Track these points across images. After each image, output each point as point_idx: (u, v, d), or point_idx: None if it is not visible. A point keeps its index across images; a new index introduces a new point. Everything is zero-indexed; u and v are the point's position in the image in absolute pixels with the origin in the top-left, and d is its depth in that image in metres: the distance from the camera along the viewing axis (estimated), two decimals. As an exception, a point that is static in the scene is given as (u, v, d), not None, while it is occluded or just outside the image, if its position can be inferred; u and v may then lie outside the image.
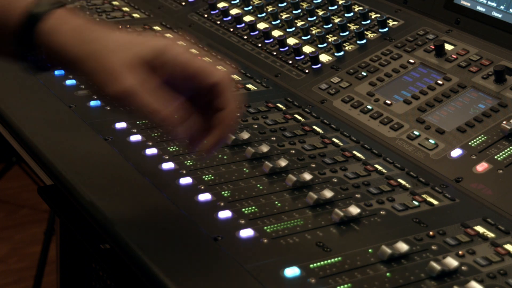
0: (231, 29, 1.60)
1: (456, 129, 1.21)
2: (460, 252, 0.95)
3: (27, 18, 0.92)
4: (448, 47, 1.37)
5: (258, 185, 1.06)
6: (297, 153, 1.15)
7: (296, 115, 1.27)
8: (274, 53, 1.49)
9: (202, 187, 1.04)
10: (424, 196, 1.07)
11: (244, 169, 1.10)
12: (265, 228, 0.97)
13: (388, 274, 0.90)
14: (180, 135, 0.92)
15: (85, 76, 0.92)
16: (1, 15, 0.93)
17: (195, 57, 0.94)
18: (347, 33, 1.48)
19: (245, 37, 1.56)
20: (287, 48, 1.49)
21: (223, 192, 1.04)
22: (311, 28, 1.51)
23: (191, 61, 0.93)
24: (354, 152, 1.17)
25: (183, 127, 0.92)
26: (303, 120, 1.26)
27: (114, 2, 1.75)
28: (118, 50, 0.91)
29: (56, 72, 1.35)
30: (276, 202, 1.02)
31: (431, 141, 1.20)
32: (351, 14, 1.53)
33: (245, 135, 1.17)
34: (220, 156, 1.13)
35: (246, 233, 0.95)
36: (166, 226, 0.97)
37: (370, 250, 0.94)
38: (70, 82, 1.32)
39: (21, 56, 0.94)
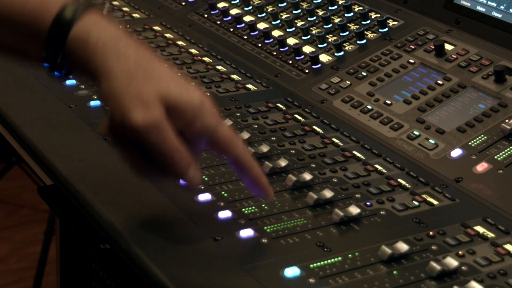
0: (231, 29, 1.59)
1: (456, 129, 1.21)
2: (460, 252, 0.95)
3: (59, 25, 0.87)
4: (448, 47, 1.37)
5: (258, 185, 1.06)
6: (297, 153, 1.15)
7: (296, 115, 1.27)
8: (274, 53, 1.49)
9: (202, 187, 1.04)
10: (424, 196, 1.07)
11: (244, 169, 1.10)
12: (265, 228, 0.97)
13: (388, 274, 0.90)
14: (192, 178, 0.89)
15: (106, 94, 0.86)
16: (32, 18, 0.88)
17: (221, 124, 0.90)
18: (347, 33, 1.48)
19: (245, 37, 1.56)
20: (287, 48, 1.49)
21: (223, 192, 1.03)
22: (311, 28, 1.51)
23: (217, 130, 0.90)
24: (354, 152, 1.17)
25: (194, 169, 0.89)
26: (303, 120, 1.26)
27: (114, 2, 1.75)
28: (156, 79, 0.86)
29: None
30: (276, 202, 1.02)
31: (431, 141, 1.20)
32: (351, 14, 1.53)
33: (245, 135, 1.17)
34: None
35: (246, 233, 0.95)
36: (166, 226, 0.97)
37: (370, 250, 0.94)
38: (70, 82, 1.32)
39: (49, 60, 0.89)
